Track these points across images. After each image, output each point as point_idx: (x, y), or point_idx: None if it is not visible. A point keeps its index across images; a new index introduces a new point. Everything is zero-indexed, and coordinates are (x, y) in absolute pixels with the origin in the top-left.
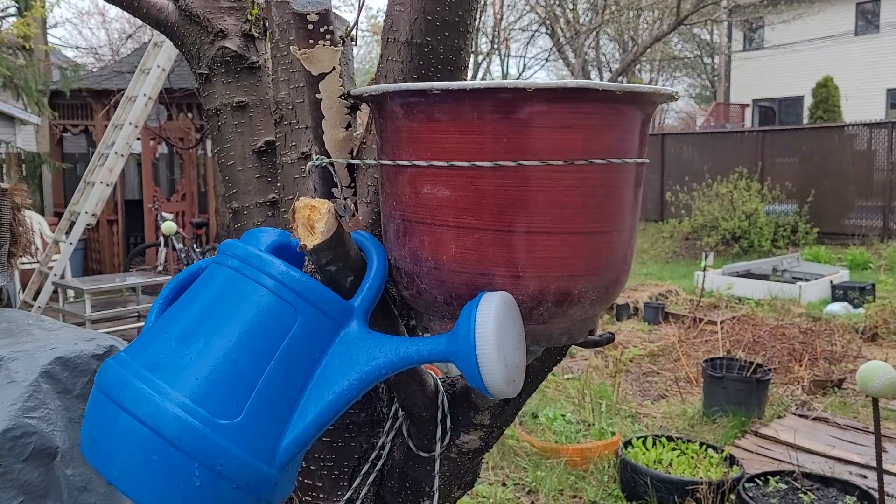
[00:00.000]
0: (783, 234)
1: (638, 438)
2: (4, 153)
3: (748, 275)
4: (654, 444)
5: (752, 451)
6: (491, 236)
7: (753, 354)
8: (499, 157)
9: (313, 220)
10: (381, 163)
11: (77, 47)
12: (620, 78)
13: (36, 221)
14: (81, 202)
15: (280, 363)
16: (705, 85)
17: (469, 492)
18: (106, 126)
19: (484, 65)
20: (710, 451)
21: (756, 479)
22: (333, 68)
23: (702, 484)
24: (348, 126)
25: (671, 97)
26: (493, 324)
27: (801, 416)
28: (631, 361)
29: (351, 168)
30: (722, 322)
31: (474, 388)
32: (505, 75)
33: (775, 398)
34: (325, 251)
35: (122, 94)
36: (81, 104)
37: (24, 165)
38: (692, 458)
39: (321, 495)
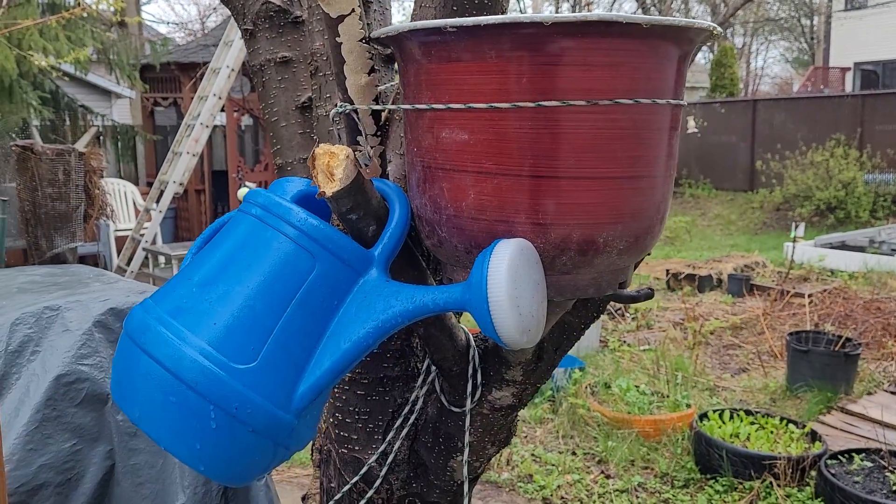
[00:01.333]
0: (883, 205)
1: (714, 411)
2: (101, 126)
3: (842, 246)
4: (731, 417)
5: (837, 428)
6: (510, 182)
7: (844, 328)
8: (518, 97)
9: (332, 166)
10: (402, 107)
11: (168, 22)
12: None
13: (129, 190)
14: (170, 172)
15: (297, 310)
16: (803, 48)
17: (538, 459)
18: (192, 98)
19: None
20: (790, 426)
21: (839, 456)
22: (353, 10)
23: (780, 459)
24: (371, 71)
25: (710, 33)
26: (507, 271)
27: (893, 392)
28: (711, 334)
29: (377, 116)
30: (811, 295)
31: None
32: None
33: (866, 374)
34: (344, 198)
35: (207, 67)
36: (170, 77)
37: (119, 137)
38: (771, 432)
39: (356, 447)
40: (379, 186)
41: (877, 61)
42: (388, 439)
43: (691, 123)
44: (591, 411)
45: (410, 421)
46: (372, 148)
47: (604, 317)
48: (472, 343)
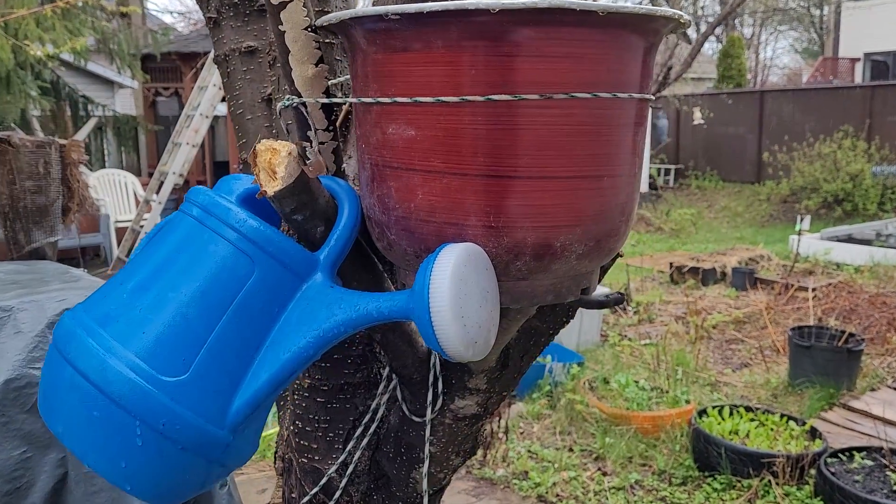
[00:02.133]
0: (891, 197)
1: (714, 408)
2: (102, 116)
3: (849, 239)
4: (730, 413)
5: (838, 425)
6: (459, 181)
7: (848, 323)
8: (467, 91)
9: (274, 164)
10: (347, 100)
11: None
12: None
13: (130, 181)
14: (170, 163)
15: (234, 318)
16: (812, 39)
17: (535, 455)
18: (193, 88)
19: None
20: (791, 423)
21: (840, 455)
22: None
23: (780, 457)
24: (319, 62)
25: (678, 23)
26: (450, 279)
27: None
28: (714, 328)
29: (329, 110)
30: (815, 289)
31: None
32: None
33: (869, 370)
34: (287, 198)
35: (208, 57)
36: (171, 67)
37: (120, 127)
38: (771, 430)
39: (316, 457)
40: (328, 185)
41: (887, 52)
42: (348, 449)
43: (697, 115)
44: (589, 407)
45: (371, 430)
46: (323, 144)
47: (605, 311)
48: None
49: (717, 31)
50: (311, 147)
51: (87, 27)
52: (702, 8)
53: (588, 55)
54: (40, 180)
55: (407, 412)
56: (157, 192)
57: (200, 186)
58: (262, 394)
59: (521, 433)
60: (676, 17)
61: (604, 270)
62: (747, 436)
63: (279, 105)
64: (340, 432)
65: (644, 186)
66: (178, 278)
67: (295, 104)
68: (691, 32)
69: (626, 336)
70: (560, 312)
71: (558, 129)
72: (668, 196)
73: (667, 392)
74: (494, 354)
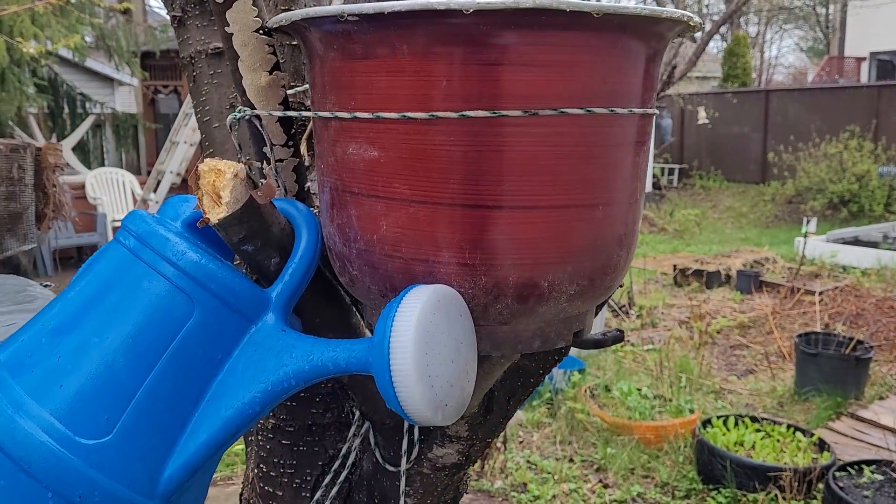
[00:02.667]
0: None
1: (718, 418)
2: (101, 113)
3: (855, 242)
4: (735, 424)
5: (847, 436)
6: (429, 211)
7: (855, 329)
8: (437, 106)
9: (219, 187)
10: (302, 114)
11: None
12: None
13: (128, 180)
14: (168, 161)
15: (168, 368)
16: (818, 38)
17: (534, 466)
18: None
19: None
20: (798, 434)
21: (849, 468)
22: None
23: (786, 470)
24: (274, 69)
25: (686, 25)
26: (415, 330)
27: None
28: (718, 333)
29: (289, 122)
30: (821, 293)
31: None
32: None
33: (878, 377)
34: (234, 226)
35: None
36: (171, 65)
37: (119, 125)
38: (777, 441)
39: None
40: (285, 209)
41: (893, 51)
42: (316, 498)
43: (702, 114)
44: (590, 416)
45: (342, 477)
46: (281, 161)
47: (607, 314)
48: None
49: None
50: (264, 167)
51: (84, 24)
52: (707, 6)
53: (580, 64)
54: (13, 185)
55: (380, 460)
56: (155, 191)
57: (140, 211)
58: (200, 457)
59: (521, 442)
60: (685, 18)
61: (600, 305)
62: (753, 447)
63: (229, 118)
64: (308, 478)
65: (648, 186)
66: (104, 320)
67: (247, 117)
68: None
69: (628, 341)
70: (552, 351)
71: (545, 150)
72: (671, 196)
73: (670, 400)
74: (476, 399)
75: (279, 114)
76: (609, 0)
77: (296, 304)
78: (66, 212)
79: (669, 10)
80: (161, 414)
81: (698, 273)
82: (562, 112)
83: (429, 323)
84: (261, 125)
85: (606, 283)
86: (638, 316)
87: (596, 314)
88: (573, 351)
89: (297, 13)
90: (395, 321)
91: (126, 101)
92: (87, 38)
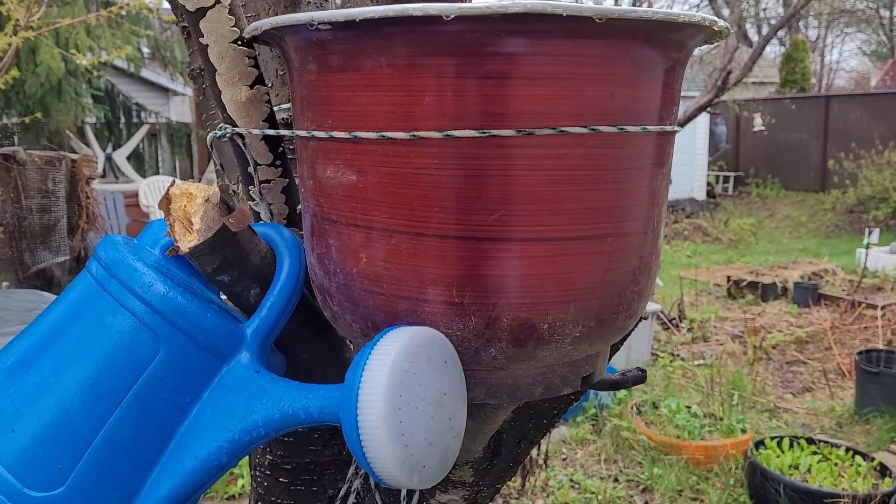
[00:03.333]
0: None
1: (772, 439)
2: (156, 123)
3: None
4: (790, 446)
5: None
6: (412, 243)
7: None
8: (419, 124)
9: (190, 212)
10: (280, 133)
11: None
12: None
13: None
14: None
15: (129, 412)
16: (881, 41)
17: (577, 485)
18: None
19: None
20: (857, 458)
21: None
22: (217, 1)
23: (844, 497)
24: (256, 83)
25: (710, 30)
26: (387, 382)
27: None
28: (774, 348)
29: (277, 139)
30: (884, 307)
31: None
32: None
33: None
34: (207, 256)
35: None
36: None
37: (173, 135)
38: (835, 465)
39: None
40: (267, 235)
41: None
42: None
43: (758, 120)
44: (636, 434)
45: None
46: (268, 182)
47: (657, 327)
48: None
49: (780, 33)
50: (251, 189)
51: (139, 35)
52: (764, 10)
53: (584, 76)
54: (47, 198)
55: (381, 503)
56: None
57: (114, 236)
58: None
59: (564, 460)
60: (706, 23)
61: (617, 344)
62: (808, 471)
63: (209, 136)
64: None
65: (702, 194)
66: (65, 358)
67: (228, 135)
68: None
69: (678, 356)
70: None
71: (543, 174)
72: (726, 204)
73: (721, 419)
74: (480, 444)
75: (257, 131)
76: (626, 4)
77: (280, 337)
78: (100, 223)
79: (688, 13)
80: (119, 464)
81: (753, 285)
82: (562, 131)
83: (404, 373)
84: (243, 144)
85: (619, 324)
86: (689, 329)
87: (611, 356)
88: (620, 365)
89: (267, 21)
90: (364, 371)
91: (180, 110)
92: (143, 50)
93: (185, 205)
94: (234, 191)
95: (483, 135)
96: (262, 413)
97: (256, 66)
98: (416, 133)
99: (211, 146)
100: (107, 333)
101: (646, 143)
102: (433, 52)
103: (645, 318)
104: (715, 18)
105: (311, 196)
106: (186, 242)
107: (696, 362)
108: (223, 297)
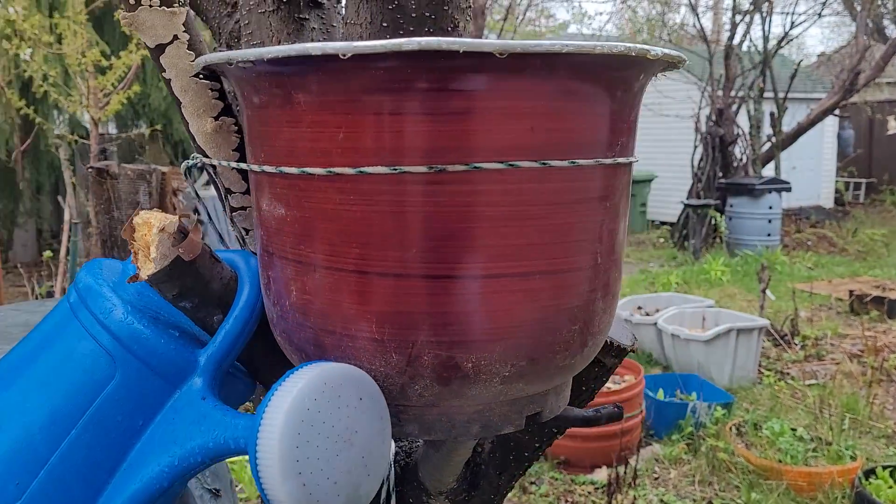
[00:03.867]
0: None
1: (885, 468)
2: None
3: None
4: None
5: None
6: (333, 277)
7: None
8: (336, 160)
9: (148, 241)
10: (231, 165)
11: None
12: None
13: None
14: None
15: (84, 433)
16: None
17: None
18: None
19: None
20: None
21: None
22: (175, 37)
23: None
24: (222, 114)
25: (669, 61)
26: (286, 419)
27: None
28: None
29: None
30: None
31: (420, 464)
32: (766, 37)
33: None
34: (165, 283)
35: None
36: None
37: None
38: None
39: None
40: (232, 261)
41: None
42: None
43: (892, 123)
44: (734, 455)
45: None
46: (244, 210)
47: (766, 343)
48: (390, 458)
49: None
50: (194, 218)
51: None
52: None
53: (496, 111)
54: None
55: None
56: None
57: (98, 260)
58: None
59: (655, 479)
60: (636, 53)
61: (607, 369)
62: None
63: (182, 166)
64: None
65: (829, 202)
66: (34, 381)
67: (199, 164)
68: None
69: (787, 374)
70: (549, 422)
71: (458, 211)
72: (856, 213)
73: (829, 444)
74: (450, 475)
75: (215, 163)
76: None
77: (251, 361)
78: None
79: (610, 44)
80: (73, 483)
81: (879, 300)
82: (476, 167)
83: (305, 411)
84: (214, 172)
85: (557, 363)
86: (801, 346)
87: (591, 394)
88: (723, 381)
89: (201, 59)
90: (266, 409)
91: None
92: None
93: (146, 234)
94: (200, 220)
95: (394, 171)
96: (199, 440)
97: (222, 97)
98: (331, 169)
99: (186, 174)
100: (72, 358)
101: (584, 176)
102: (341, 89)
103: (748, 333)
104: (647, 48)
105: (257, 226)
106: (145, 271)
107: (806, 382)
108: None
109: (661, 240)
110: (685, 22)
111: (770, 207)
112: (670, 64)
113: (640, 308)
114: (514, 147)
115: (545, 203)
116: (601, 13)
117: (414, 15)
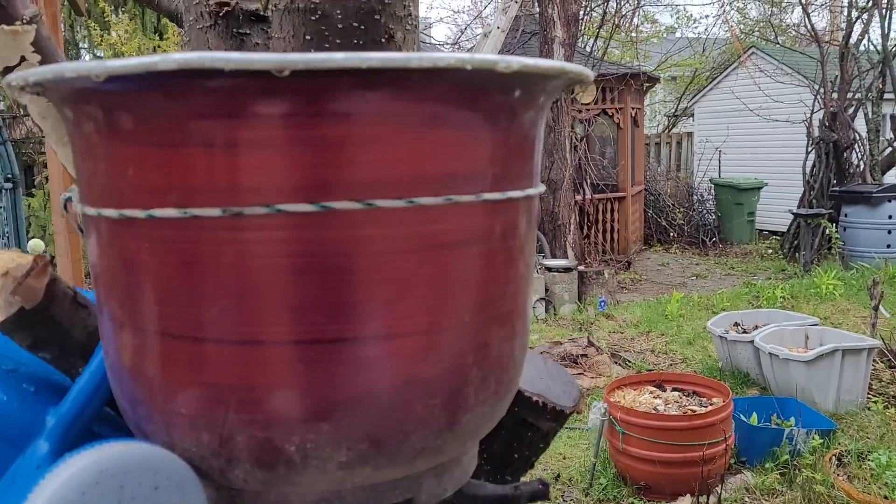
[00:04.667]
0: None
1: None
2: None
3: None
4: None
5: None
6: (136, 339)
7: None
8: (128, 201)
9: None
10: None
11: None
12: None
13: None
14: None
15: None
16: None
17: None
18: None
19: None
20: None
21: None
22: (23, 58)
23: None
24: None
25: (552, 75)
26: None
27: None
28: None
29: None
30: None
31: None
32: (886, 36)
33: None
34: (16, 332)
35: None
36: None
37: None
38: None
39: None
40: None
41: None
42: None
43: None
44: (833, 489)
45: None
46: None
47: (879, 365)
48: None
49: None
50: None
51: None
52: None
53: (299, 140)
54: None
55: None
56: None
57: None
58: None
59: None
60: (501, 67)
61: (543, 434)
62: None
63: (61, 197)
64: None
65: None
66: None
67: (66, 199)
68: None
69: None
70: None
71: (263, 262)
72: None
73: None
74: None
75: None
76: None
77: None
78: None
79: (425, 55)
80: None
81: None
82: (278, 210)
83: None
84: None
85: (413, 445)
86: None
87: (517, 474)
88: (828, 405)
89: (15, 76)
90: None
91: None
92: None
93: None
94: (52, 261)
95: (185, 215)
96: None
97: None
98: (122, 212)
99: (64, 207)
100: None
101: (455, 214)
102: (130, 116)
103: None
104: (495, 59)
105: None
106: None
107: None
108: None
109: (770, 251)
110: (798, 22)
111: (890, 217)
112: (572, 79)
113: (737, 324)
114: (322, 184)
115: (377, 252)
116: (707, 15)
117: (340, 26)
